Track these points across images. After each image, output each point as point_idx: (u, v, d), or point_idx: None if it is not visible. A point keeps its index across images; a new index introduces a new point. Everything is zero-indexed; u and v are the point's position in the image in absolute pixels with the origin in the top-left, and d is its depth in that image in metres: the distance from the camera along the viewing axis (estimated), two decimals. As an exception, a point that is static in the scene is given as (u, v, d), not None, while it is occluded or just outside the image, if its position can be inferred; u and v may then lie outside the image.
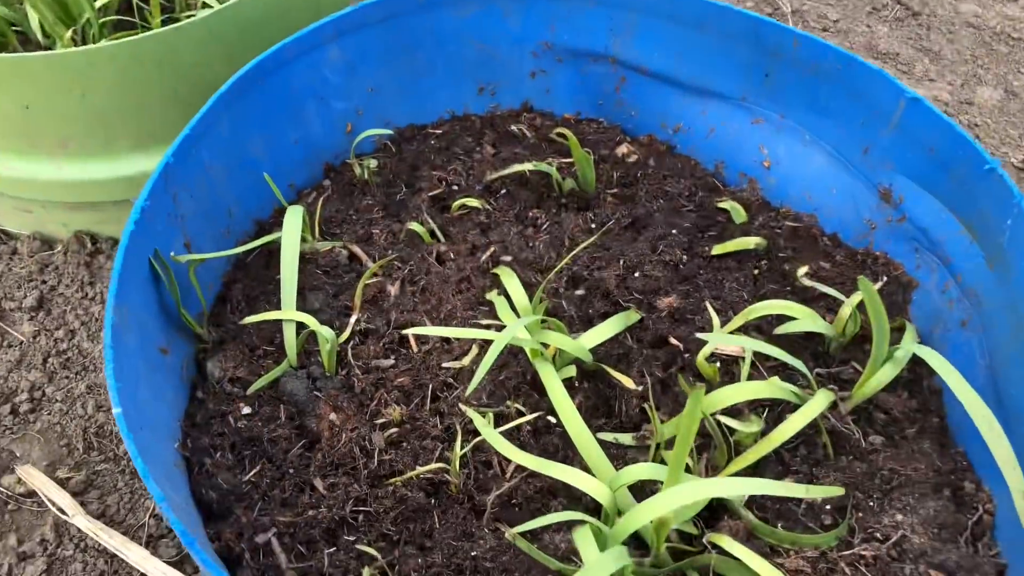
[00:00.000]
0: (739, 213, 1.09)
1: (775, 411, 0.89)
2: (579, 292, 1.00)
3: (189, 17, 1.30)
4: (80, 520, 1.05)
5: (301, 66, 1.10)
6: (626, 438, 0.88)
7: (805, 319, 0.92)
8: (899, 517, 0.79)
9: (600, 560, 0.64)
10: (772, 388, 0.82)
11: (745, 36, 1.09)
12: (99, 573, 1.03)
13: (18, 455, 1.15)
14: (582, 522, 0.72)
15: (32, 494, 1.10)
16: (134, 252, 0.84)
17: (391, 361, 0.94)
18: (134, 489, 1.11)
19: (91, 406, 1.19)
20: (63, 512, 1.06)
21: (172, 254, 0.90)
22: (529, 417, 0.86)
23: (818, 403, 0.82)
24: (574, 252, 0.94)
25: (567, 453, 0.86)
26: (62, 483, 1.11)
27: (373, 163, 1.14)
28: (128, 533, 1.06)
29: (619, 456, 0.86)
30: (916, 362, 0.93)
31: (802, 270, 0.97)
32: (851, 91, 1.03)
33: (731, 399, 0.80)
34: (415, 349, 0.95)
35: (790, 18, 1.94)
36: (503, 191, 1.14)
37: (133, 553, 1.02)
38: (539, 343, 0.87)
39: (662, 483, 0.78)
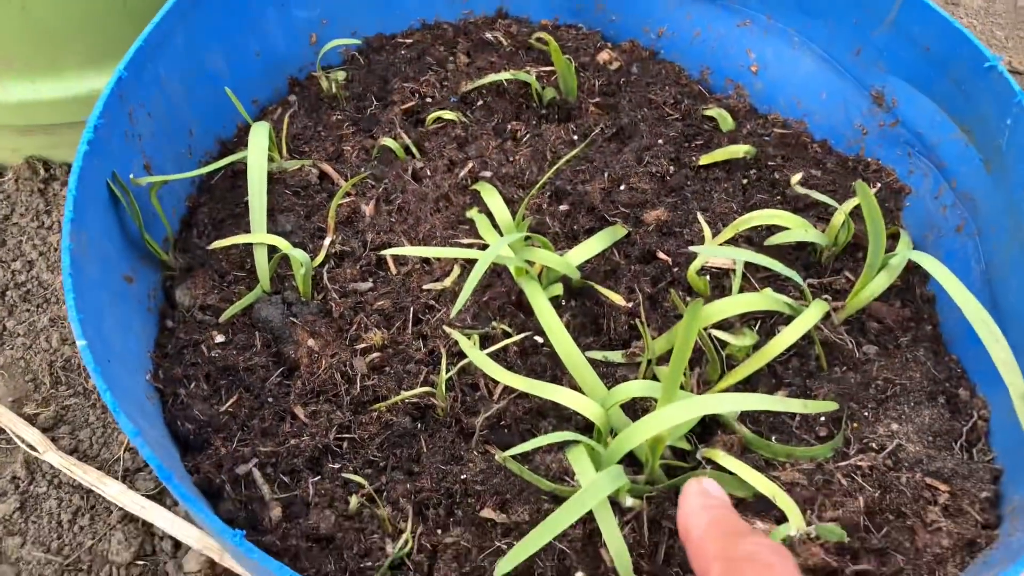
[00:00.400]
0: (726, 121, 1.04)
1: (767, 324, 0.87)
2: (563, 207, 0.96)
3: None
4: (52, 456, 1.01)
5: (259, -30, 1.02)
6: (616, 356, 0.86)
7: (797, 229, 0.89)
8: (894, 426, 0.78)
9: (597, 480, 0.62)
10: (766, 300, 0.80)
11: (732, -69, 1.04)
12: (75, 509, 1.00)
13: (-18, 392, 1.10)
14: (576, 442, 0.70)
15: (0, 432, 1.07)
16: (90, 173, 0.78)
17: (369, 284, 0.90)
18: (106, 423, 1.08)
19: (55, 339, 1.15)
20: (33, 449, 1.03)
21: (132, 176, 0.84)
22: (516, 338, 0.83)
23: (812, 314, 0.80)
24: (557, 165, 0.89)
25: (556, 373, 0.84)
26: (30, 419, 1.07)
27: (341, 75, 1.08)
28: (103, 468, 1.03)
29: (609, 374, 0.84)
30: (909, 270, 0.91)
31: (795, 178, 0.94)
32: (843, -12, 0.98)
33: (724, 312, 0.78)
34: (394, 271, 0.91)
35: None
36: (480, 103, 1.09)
37: (110, 488, 0.99)
38: (524, 261, 0.83)
39: (654, 400, 0.76)
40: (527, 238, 0.87)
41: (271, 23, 1.06)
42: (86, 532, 0.99)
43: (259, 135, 0.90)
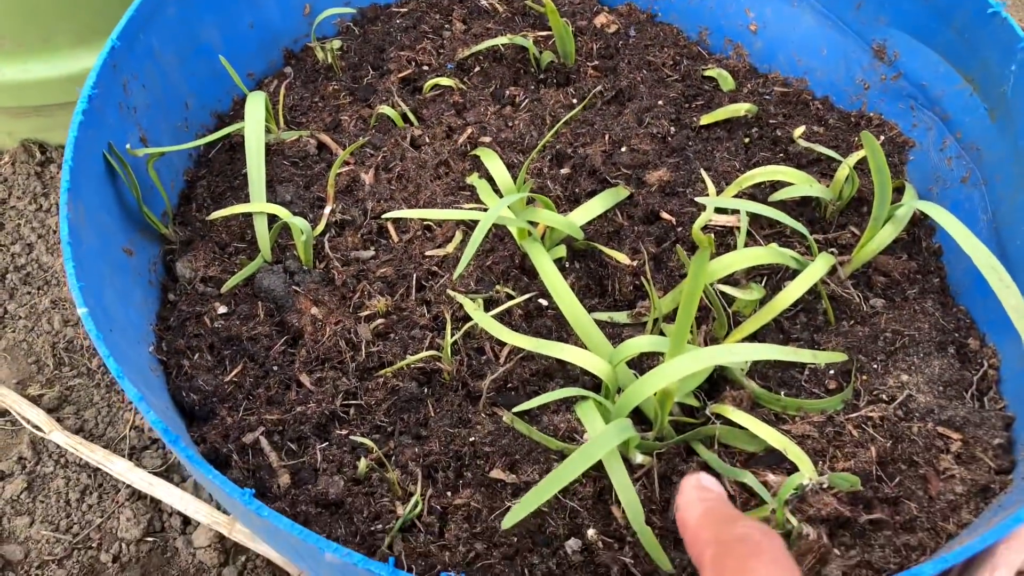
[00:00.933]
0: (726, 80, 1.03)
1: (773, 280, 0.86)
2: (564, 171, 0.96)
3: None
4: (58, 436, 1.01)
5: (250, -60, 1.01)
6: (621, 316, 0.85)
7: (801, 184, 0.88)
8: (904, 377, 0.77)
9: (606, 432, 0.61)
10: (772, 254, 0.79)
11: None
12: (83, 487, 1.00)
13: (-15, 375, 1.10)
14: (584, 398, 0.70)
15: (4, 413, 1.06)
16: (85, 144, 0.77)
17: (371, 252, 0.90)
18: (111, 403, 1.07)
19: (57, 321, 1.14)
20: (39, 429, 1.02)
21: (128, 147, 0.84)
22: (520, 299, 0.82)
23: (819, 267, 0.79)
24: (556, 127, 0.88)
25: (561, 334, 0.83)
26: (35, 400, 1.06)
27: (337, 44, 1.07)
28: (109, 447, 1.03)
29: (615, 335, 0.83)
30: (914, 223, 0.91)
31: (798, 131, 0.92)
32: (842, -59, 0.96)
33: (731, 267, 0.77)
34: (395, 239, 0.91)
35: None
36: (477, 69, 1.07)
37: (116, 465, 0.99)
38: (527, 222, 0.83)
39: (662, 356, 0.75)
40: (529, 200, 0.86)
41: (264, -6, 1.05)
42: (94, 510, 0.99)
43: (255, 104, 0.90)
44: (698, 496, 0.58)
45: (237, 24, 1.03)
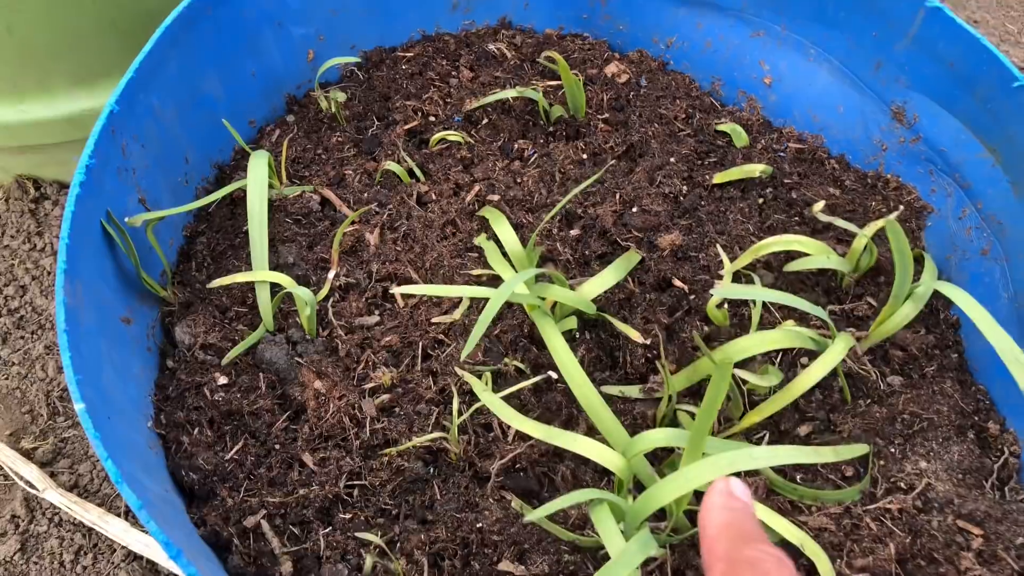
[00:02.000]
0: (740, 136, 1.01)
1: (789, 355, 0.84)
2: (574, 232, 0.93)
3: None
4: (52, 495, 0.98)
5: (253, -12, 0.98)
6: (633, 391, 0.83)
7: (818, 255, 0.86)
8: (923, 464, 0.76)
9: (628, 551, 0.59)
10: (789, 336, 0.77)
11: (744, -62, 0.99)
12: (77, 548, 0.98)
13: (-22, 427, 1.07)
14: (600, 500, 0.67)
15: (-3, 468, 1.04)
16: (83, 216, 0.74)
17: (376, 318, 0.87)
18: (107, 456, 1.05)
19: (52, 368, 1.12)
20: (32, 486, 1.00)
21: (127, 219, 0.81)
22: (530, 382, 0.80)
23: (838, 350, 0.77)
24: (569, 196, 0.85)
25: (571, 411, 0.81)
26: (28, 454, 1.04)
27: (341, 97, 1.04)
28: (104, 504, 1.01)
29: (626, 411, 0.81)
30: (932, 293, 0.88)
31: (818, 206, 0.90)
32: (863, 0, 0.94)
33: (747, 351, 0.75)
34: (401, 304, 0.88)
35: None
36: (485, 121, 1.05)
37: (112, 526, 0.97)
38: (537, 297, 0.80)
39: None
40: (540, 268, 0.84)
41: (267, 42, 1.02)
42: (89, 572, 0.96)
43: (258, 167, 0.87)
44: (724, 503, 0.56)
45: (239, 73, 1.00)
